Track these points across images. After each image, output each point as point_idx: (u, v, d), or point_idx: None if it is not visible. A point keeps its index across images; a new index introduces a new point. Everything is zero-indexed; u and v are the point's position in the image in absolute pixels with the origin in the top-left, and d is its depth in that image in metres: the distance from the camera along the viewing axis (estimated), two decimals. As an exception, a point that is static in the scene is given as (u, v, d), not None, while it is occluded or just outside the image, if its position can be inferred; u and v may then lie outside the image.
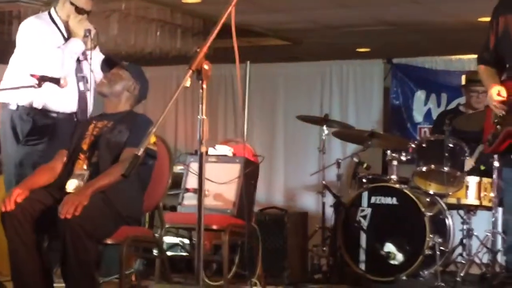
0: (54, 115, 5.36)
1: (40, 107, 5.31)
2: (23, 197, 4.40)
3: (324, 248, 7.18)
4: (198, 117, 3.03)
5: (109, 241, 4.46)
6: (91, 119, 4.95)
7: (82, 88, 5.40)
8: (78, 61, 5.41)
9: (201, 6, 7.21)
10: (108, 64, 4.97)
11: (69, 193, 4.48)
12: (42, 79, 4.66)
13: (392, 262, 6.48)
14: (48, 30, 5.45)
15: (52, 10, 5.50)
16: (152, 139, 4.67)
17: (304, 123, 7.97)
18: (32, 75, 4.72)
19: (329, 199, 7.34)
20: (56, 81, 4.68)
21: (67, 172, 4.69)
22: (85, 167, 4.63)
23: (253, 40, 8.75)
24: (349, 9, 7.26)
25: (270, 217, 6.87)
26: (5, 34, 7.87)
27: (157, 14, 7.77)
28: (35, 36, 5.42)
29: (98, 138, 4.71)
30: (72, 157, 4.73)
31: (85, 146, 4.71)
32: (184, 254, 6.64)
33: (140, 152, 2.96)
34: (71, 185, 4.58)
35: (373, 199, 6.67)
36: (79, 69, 5.43)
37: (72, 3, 5.40)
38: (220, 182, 5.84)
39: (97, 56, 5.37)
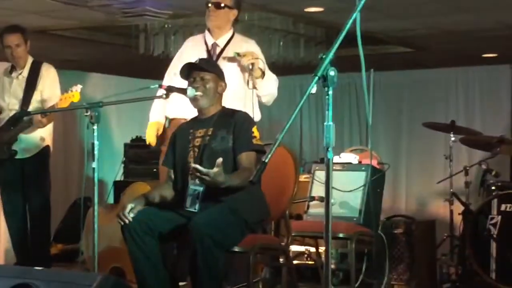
0: None
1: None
2: (135, 211, 4.49)
3: (453, 257, 7.06)
4: (325, 123, 3.01)
5: (236, 249, 4.49)
6: (188, 127, 4.83)
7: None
8: None
9: (323, 15, 7.19)
10: (188, 68, 4.80)
11: (190, 211, 4.55)
12: (170, 90, 4.73)
13: (524, 270, 6.32)
14: (190, 44, 5.53)
15: None
16: (257, 134, 4.65)
17: (429, 130, 7.86)
18: (160, 86, 4.80)
19: (457, 207, 7.22)
20: (183, 91, 4.74)
21: (182, 188, 4.72)
22: (197, 181, 4.54)
23: (376, 48, 8.69)
24: (473, 14, 7.11)
25: (397, 225, 6.79)
26: (133, 48, 8.06)
27: (279, 24, 7.79)
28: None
29: (203, 149, 4.67)
30: (182, 172, 4.71)
31: (191, 160, 4.68)
32: (310, 262, 6.64)
33: (267, 159, 2.97)
34: (189, 203, 4.59)
35: (503, 207, 6.51)
36: None
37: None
38: (346, 190, 5.83)
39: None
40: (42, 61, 6.51)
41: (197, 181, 4.54)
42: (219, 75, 4.79)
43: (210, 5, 5.35)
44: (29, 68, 6.45)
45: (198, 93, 4.67)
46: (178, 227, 4.45)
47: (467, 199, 7.15)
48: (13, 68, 6.51)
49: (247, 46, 5.45)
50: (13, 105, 6.42)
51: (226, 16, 5.39)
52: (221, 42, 5.45)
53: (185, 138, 4.78)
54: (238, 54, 5.25)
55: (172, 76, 5.42)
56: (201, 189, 4.57)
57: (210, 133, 4.69)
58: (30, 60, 6.48)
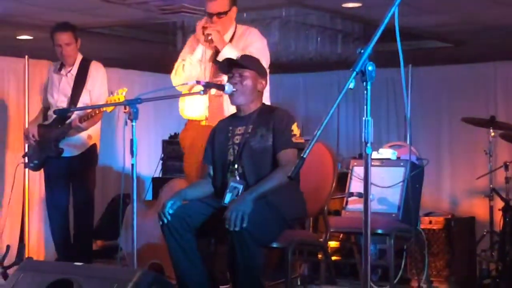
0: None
1: None
2: (174, 207, 4.49)
3: (493, 253, 7.01)
4: (364, 118, 3.00)
5: (275, 245, 4.49)
6: (227, 124, 4.83)
7: (212, 93, 5.34)
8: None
9: (361, 10, 7.15)
10: (227, 64, 4.80)
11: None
12: (207, 86, 4.73)
13: None
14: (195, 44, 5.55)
15: None
16: (297, 132, 4.64)
17: (469, 126, 7.79)
18: (197, 82, 4.80)
19: (497, 203, 7.16)
20: (221, 87, 4.74)
21: (221, 185, 4.72)
22: (238, 178, 4.62)
23: (414, 43, 8.63)
24: (512, 7, 7.05)
25: (436, 221, 6.75)
26: (170, 45, 8.08)
27: (317, 20, 7.77)
28: None
29: (242, 147, 4.67)
30: (222, 169, 4.73)
31: (231, 157, 4.69)
32: (349, 258, 6.62)
33: (306, 154, 2.97)
34: (228, 199, 4.59)
35: (543, 202, 6.46)
36: (216, 72, 5.38)
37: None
38: (385, 186, 5.80)
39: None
40: (91, 59, 6.55)
41: (237, 177, 4.57)
42: (259, 72, 4.77)
43: (210, 14, 5.36)
44: (78, 66, 6.49)
45: (235, 89, 4.68)
46: (216, 223, 4.45)
47: (507, 195, 7.09)
48: (62, 66, 6.56)
49: (249, 36, 5.44)
50: (61, 102, 6.47)
51: (228, 19, 5.43)
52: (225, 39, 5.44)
53: (224, 135, 4.78)
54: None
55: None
56: (241, 186, 4.58)
57: (249, 130, 4.68)
58: (79, 58, 6.52)
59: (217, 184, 4.77)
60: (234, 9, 5.43)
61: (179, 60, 5.50)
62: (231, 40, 5.38)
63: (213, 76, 5.36)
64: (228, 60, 4.81)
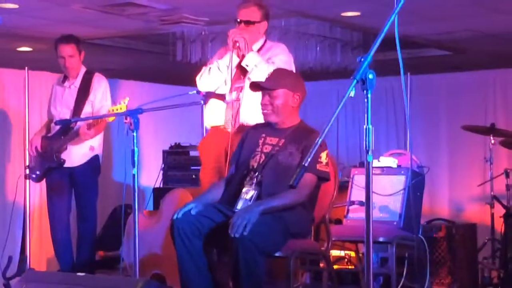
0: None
1: None
2: (196, 211, 4.51)
3: (495, 260, 7.01)
4: (364, 126, 3.01)
5: (277, 254, 4.49)
6: (260, 132, 4.84)
7: (233, 97, 5.31)
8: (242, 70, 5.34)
9: (360, 19, 7.18)
10: (254, 86, 4.83)
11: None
12: (208, 96, 4.74)
13: None
14: (220, 55, 5.55)
15: None
16: (325, 159, 4.64)
17: (468, 133, 7.80)
18: (198, 92, 4.81)
19: (498, 210, 7.17)
20: (222, 96, 4.75)
21: (236, 189, 4.72)
22: (252, 186, 4.63)
23: (413, 51, 8.65)
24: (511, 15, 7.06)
25: (438, 229, 6.75)
26: (170, 55, 8.09)
27: (316, 29, 7.79)
28: None
29: (269, 157, 4.68)
30: (242, 173, 4.74)
31: (254, 164, 4.71)
32: (351, 267, 6.62)
33: (307, 163, 2.98)
34: (240, 205, 4.60)
35: (544, 209, 6.45)
36: (238, 78, 5.38)
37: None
38: (386, 194, 5.80)
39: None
40: (94, 72, 6.56)
41: (252, 186, 4.58)
42: (291, 87, 4.73)
43: (239, 21, 5.37)
44: (81, 79, 6.50)
45: (266, 110, 4.71)
46: (223, 231, 4.43)
47: (508, 202, 7.09)
48: (65, 78, 6.57)
49: (276, 49, 5.45)
50: (64, 114, 6.48)
51: (256, 31, 5.43)
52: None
53: (255, 140, 4.81)
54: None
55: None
56: (254, 192, 4.60)
57: (281, 144, 4.70)
58: (83, 70, 6.53)
59: (232, 187, 4.75)
60: (265, 23, 5.45)
61: (208, 65, 5.52)
62: (258, 52, 5.39)
63: (235, 81, 5.36)
64: (254, 85, 4.80)
